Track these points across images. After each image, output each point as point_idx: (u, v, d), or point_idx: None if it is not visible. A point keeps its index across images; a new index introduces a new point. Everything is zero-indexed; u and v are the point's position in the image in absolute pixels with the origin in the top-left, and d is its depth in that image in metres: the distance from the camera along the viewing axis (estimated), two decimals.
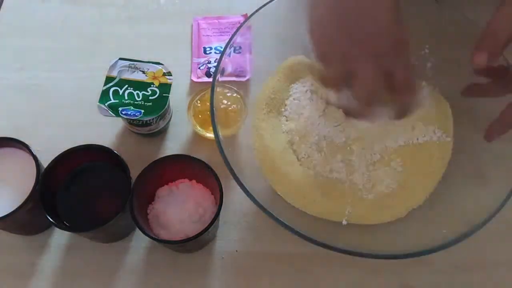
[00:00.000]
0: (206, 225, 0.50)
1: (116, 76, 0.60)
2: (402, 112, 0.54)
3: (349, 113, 0.54)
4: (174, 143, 0.64)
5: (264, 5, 0.60)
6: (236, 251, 0.57)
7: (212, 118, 0.54)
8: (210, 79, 0.66)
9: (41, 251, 0.57)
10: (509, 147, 0.56)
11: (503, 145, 0.55)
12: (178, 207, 0.54)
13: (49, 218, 0.50)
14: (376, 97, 0.49)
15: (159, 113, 0.59)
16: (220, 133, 0.54)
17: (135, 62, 0.60)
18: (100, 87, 0.59)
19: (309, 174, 0.57)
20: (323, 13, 0.47)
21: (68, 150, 0.53)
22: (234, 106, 0.61)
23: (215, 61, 0.67)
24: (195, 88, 0.65)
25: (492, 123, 0.53)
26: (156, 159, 0.53)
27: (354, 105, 0.50)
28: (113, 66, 0.60)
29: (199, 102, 0.62)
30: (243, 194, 0.50)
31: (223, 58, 0.58)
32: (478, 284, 0.56)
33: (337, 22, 0.46)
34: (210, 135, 0.60)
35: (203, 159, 0.53)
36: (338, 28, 0.46)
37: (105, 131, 0.63)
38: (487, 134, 0.54)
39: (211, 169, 0.52)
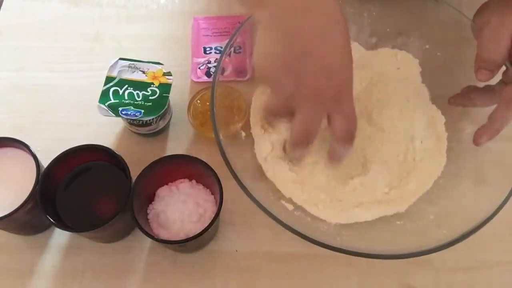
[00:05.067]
0: (206, 225, 0.50)
1: (116, 76, 0.60)
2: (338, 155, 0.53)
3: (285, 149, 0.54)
4: (174, 143, 0.64)
5: None
6: (236, 251, 0.57)
7: (213, 118, 0.54)
8: (210, 79, 0.66)
9: (41, 251, 0.57)
10: (509, 147, 0.56)
11: (503, 145, 0.55)
12: (178, 207, 0.54)
13: (49, 218, 0.50)
14: (311, 139, 0.48)
15: (159, 113, 0.59)
16: (220, 133, 0.54)
17: (135, 62, 0.60)
18: (100, 87, 0.59)
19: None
20: (269, 44, 0.45)
21: (68, 150, 0.53)
22: (234, 106, 0.61)
23: (215, 61, 0.67)
24: (195, 88, 0.65)
25: (481, 128, 0.53)
26: (156, 159, 0.53)
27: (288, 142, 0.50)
28: (113, 66, 0.60)
29: (199, 102, 0.62)
30: (243, 194, 0.50)
31: (223, 58, 0.58)
32: (478, 284, 0.56)
33: (284, 57, 0.44)
34: (210, 135, 0.60)
35: (203, 159, 0.53)
36: (285, 64, 0.44)
37: (105, 131, 0.63)
38: (475, 139, 0.54)
39: (211, 169, 0.52)
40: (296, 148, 0.49)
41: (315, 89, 0.44)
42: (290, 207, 0.56)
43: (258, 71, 0.47)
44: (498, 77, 0.54)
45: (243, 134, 0.60)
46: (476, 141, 0.54)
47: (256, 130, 0.60)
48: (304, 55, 0.44)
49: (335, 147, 0.51)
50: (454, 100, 0.59)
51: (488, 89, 0.55)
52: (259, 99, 0.61)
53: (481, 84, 0.55)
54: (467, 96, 0.57)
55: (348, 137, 0.49)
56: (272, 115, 0.49)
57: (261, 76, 0.47)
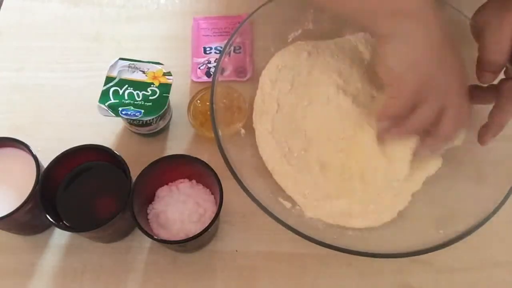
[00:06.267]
0: (206, 225, 0.50)
1: (116, 76, 0.60)
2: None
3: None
4: (174, 143, 0.64)
5: (264, 4, 0.60)
6: (236, 251, 0.57)
7: (212, 118, 0.54)
8: (210, 79, 0.66)
9: (41, 251, 0.57)
10: (509, 147, 0.56)
11: (503, 145, 0.55)
12: (178, 207, 0.54)
13: (49, 218, 0.50)
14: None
15: (159, 113, 0.59)
16: (220, 133, 0.54)
17: (135, 62, 0.60)
18: (100, 87, 0.59)
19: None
20: (417, 50, 0.48)
21: (68, 150, 0.53)
22: (234, 106, 0.61)
23: (215, 61, 0.67)
24: (195, 88, 0.65)
25: (484, 127, 0.54)
26: (156, 159, 0.53)
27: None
28: (113, 66, 0.60)
29: (199, 102, 0.62)
30: (243, 194, 0.50)
31: (223, 58, 0.58)
32: (478, 284, 0.56)
33: (437, 58, 0.48)
34: (210, 135, 0.60)
35: (203, 159, 0.53)
36: (439, 64, 0.48)
37: (105, 131, 0.63)
38: (479, 138, 0.54)
39: (211, 169, 0.52)
40: (403, 131, 0.53)
41: (463, 80, 0.50)
42: (288, 205, 0.56)
43: (410, 80, 0.48)
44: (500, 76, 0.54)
45: (242, 131, 0.60)
46: (481, 139, 0.54)
47: (257, 122, 0.60)
48: (448, 53, 0.49)
49: (436, 143, 0.54)
50: None
51: (491, 86, 0.55)
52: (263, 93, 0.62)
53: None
54: (470, 94, 0.57)
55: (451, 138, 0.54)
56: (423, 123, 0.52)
57: (414, 83, 0.49)
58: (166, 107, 0.59)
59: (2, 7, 0.73)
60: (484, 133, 0.54)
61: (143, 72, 0.60)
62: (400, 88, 0.49)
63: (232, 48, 0.60)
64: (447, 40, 0.48)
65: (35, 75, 0.68)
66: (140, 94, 0.59)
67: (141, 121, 0.59)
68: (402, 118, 0.51)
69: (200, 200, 0.54)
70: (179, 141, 0.64)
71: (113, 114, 0.57)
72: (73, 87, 0.67)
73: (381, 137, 0.56)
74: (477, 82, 0.54)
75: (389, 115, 0.52)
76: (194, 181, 0.56)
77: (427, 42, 0.47)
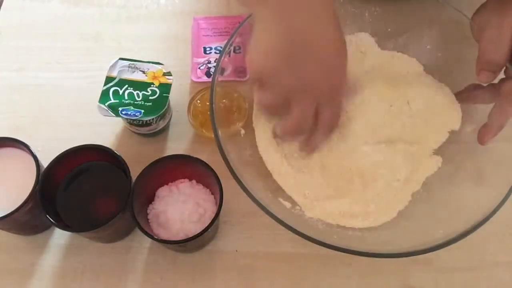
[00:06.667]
0: (206, 225, 0.50)
1: (116, 76, 0.60)
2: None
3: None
4: (174, 143, 0.64)
5: None
6: (236, 251, 0.57)
7: (212, 118, 0.54)
8: (210, 79, 0.66)
9: (41, 251, 0.57)
10: (509, 147, 0.56)
11: (503, 145, 0.55)
12: (178, 207, 0.54)
13: (49, 218, 0.50)
14: (306, 128, 0.51)
15: (159, 113, 0.59)
16: (220, 133, 0.54)
17: (135, 62, 0.60)
18: (100, 87, 0.59)
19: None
20: (269, 40, 0.46)
21: (68, 150, 0.53)
22: (234, 106, 0.61)
23: (215, 61, 0.67)
24: (195, 88, 0.66)
25: (484, 127, 0.54)
26: (156, 159, 0.53)
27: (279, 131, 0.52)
28: (113, 66, 0.60)
29: (199, 102, 0.62)
30: (243, 194, 0.50)
31: (223, 58, 0.58)
32: (478, 284, 0.56)
33: (284, 52, 0.45)
34: (210, 135, 0.60)
35: (203, 159, 0.53)
36: (285, 59, 0.45)
37: (105, 131, 0.63)
38: (479, 138, 0.54)
39: (211, 169, 0.52)
40: (291, 136, 0.53)
41: (312, 82, 0.47)
42: (288, 205, 0.56)
43: (256, 66, 0.48)
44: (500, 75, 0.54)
45: (242, 131, 0.60)
46: (481, 140, 0.54)
47: (257, 122, 0.60)
48: (303, 49, 0.45)
49: (316, 136, 0.54)
50: (457, 96, 0.59)
51: (492, 86, 0.55)
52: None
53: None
54: (470, 93, 0.57)
55: (330, 130, 0.54)
56: (268, 110, 0.52)
57: (258, 71, 0.48)
58: (166, 107, 0.59)
59: (2, 7, 0.73)
60: (484, 133, 0.54)
61: (143, 72, 0.60)
62: (255, 75, 0.48)
63: (232, 48, 0.60)
64: (315, 37, 0.45)
65: (35, 75, 0.68)
66: (140, 94, 0.59)
67: (141, 121, 0.59)
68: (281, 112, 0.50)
69: (200, 200, 0.54)
70: (179, 141, 0.64)
71: (113, 114, 0.57)
72: (73, 87, 0.67)
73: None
74: (477, 82, 0.54)
75: (261, 106, 0.51)
76: (194, 181, 0.56)
77: (279, 35, 0.45)
